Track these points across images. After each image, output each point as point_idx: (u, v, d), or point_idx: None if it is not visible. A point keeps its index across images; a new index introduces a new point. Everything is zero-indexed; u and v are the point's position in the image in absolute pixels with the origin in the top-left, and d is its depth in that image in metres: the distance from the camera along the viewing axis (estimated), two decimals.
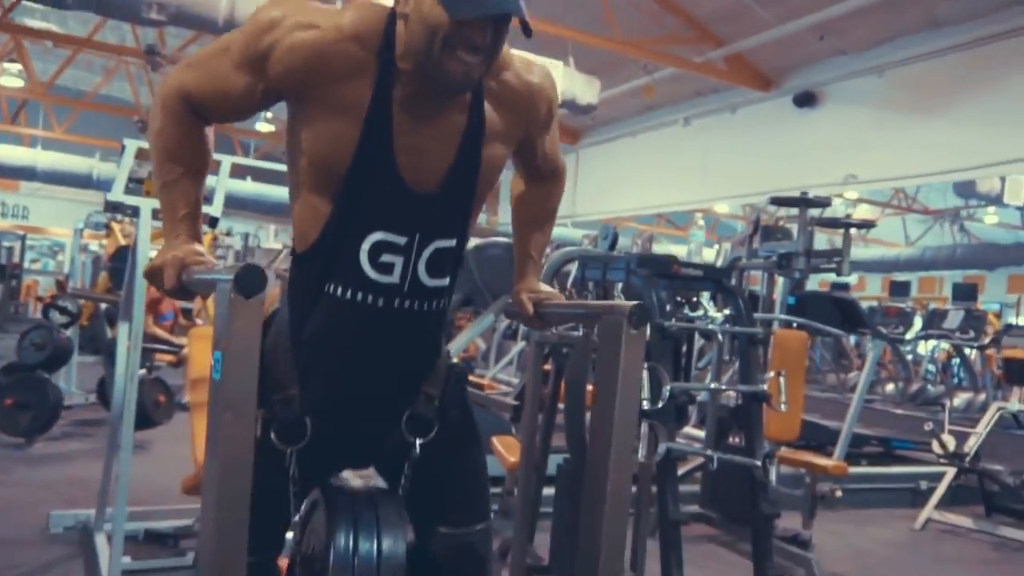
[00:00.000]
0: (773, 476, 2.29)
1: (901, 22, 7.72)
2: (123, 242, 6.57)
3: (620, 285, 2.85)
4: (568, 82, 7.91)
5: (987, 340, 8.42)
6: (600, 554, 1.10)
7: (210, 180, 1.47)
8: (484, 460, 1.66)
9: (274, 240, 15.76)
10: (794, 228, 4.27)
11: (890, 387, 9.81)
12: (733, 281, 4.82)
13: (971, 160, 7.47)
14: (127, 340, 2.79)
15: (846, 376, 9.96)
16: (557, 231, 13.43)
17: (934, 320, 9.15)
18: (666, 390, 2.16)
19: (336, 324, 1.39)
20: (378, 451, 1.56)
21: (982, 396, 8.75)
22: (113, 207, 2.81)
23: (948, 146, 7.47)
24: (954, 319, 8.80)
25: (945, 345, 10.00)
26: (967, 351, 9.25)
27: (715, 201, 12.31)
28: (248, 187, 12.42)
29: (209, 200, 3.01)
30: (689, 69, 8.95)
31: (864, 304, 14.04)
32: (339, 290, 1.37)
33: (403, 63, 1.31)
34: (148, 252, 2.73)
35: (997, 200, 12.74)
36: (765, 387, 2.38)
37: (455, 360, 1.64)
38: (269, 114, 13.66)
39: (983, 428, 4.78)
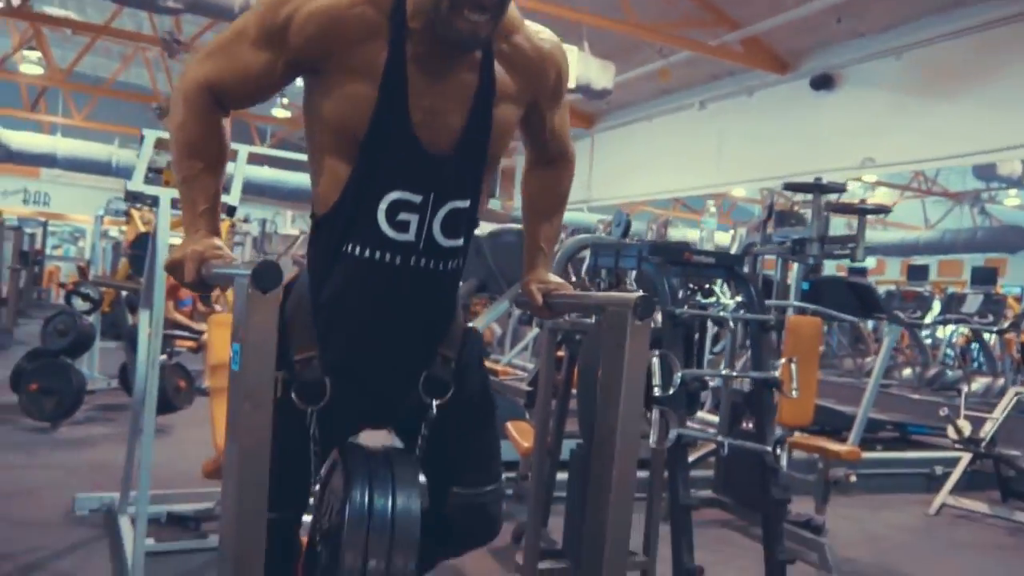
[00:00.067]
0: (784, 462, 2.31)
1: (919, 3, 7.62)
2: (142, 229, 6.64)
3: (634, 273, 2.87)
4: (583, 67, 7.88)
5: (1006, 324, 8.37)
6: (606, 537, 1.13)
7: (227, 168, 1.50)
8: (496, 424, 1.71)
9: (291, 226, 15.84)
10: (809, 213, 4.27)
11: (907, 372, 9.75)
12: (747, 267, 4.83)
13: (991, 143, 7.38)
14: (148, 327, 2.85)
15: (863, 361, 9.92)
16: (572, 216, 13.45)
17: (952, 304, 9.09)
18: (677, 377, 2.18)
19: (355, 283, 1.43)
20: (396, 412, 1.60)
21: (1001, 381, 8.69)
22: (133, 197, 2.85)
23: (967, 129, 7.38)
24: (973, 303, 8.74)
25: (964, 329, 9.93)
26: (986, 335, 9.19)
27: (731, 185, 12.24)
28: (265, 173, 12.50)
29: (227, 189, 3.05)
30: (705, 52, 8.89)
31: (882, 288, 13.97)
32: (357, 249, 1.41)
33: (413, 23, 1.35)
34: (167, 241, 2.78)
35: (1018, 183, 12.59)
36: (777, 373, 2.40)
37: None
38: (285, 100, 13.70)
39: (1000, 413, 4.76)
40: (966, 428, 4.73)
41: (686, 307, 2.48)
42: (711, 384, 4.49)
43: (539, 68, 1.50)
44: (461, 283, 1.67)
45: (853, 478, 4.27)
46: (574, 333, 2.78)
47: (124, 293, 6.37)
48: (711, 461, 4.15)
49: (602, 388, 1.21)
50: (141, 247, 5.69)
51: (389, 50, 1.34)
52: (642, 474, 3.09)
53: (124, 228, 9.09)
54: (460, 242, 1.48)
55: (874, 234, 16.71)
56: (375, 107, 1.35)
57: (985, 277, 9.46)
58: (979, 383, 8.70)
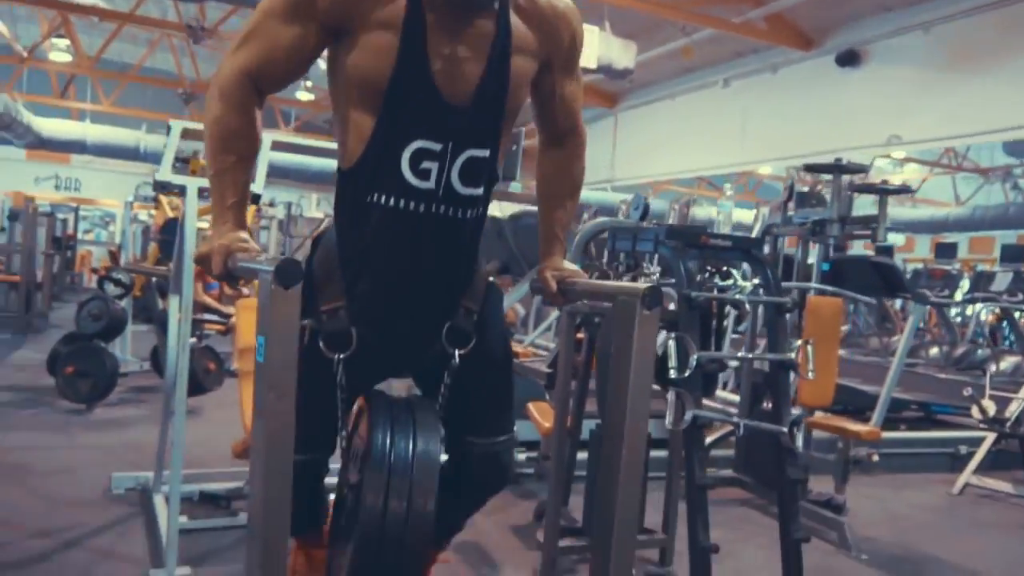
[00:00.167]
0: (800, 442, 2.34)
1: None
2: (171, 214, 6.76)
3: (657, 256, 2.89)
4: (604, 47, 7.83)
5: None
6: (615, 517, 1.18)
7: None
8: (512, 377, 1.77)
9: (316, 209, 15.99)
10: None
11: (934, 351, 9.65)
12: (767, 248, 4.82)
13: (1021, 118, 7.24)
14: (178, 312, 2.92)
15: (889, 340, 9.83)
16: (596, 196, 13.41)
17: (981, 282, 8.97)
18: (693, 359, 2.21)
19: (380, 233, 1.49)
20: (419, 361, 1.66)
21: None
22: (161, 186, 2.93)
23: (997, 103, 7.23)
24: (1002, 281, 8.62)
25: (995, 308, 9.79)
26: (1016, 314, 9.05)
27: (755, 164, 12.12)
28: (290, 156, 12.59)
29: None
30: (728, 30, 8.78)
31: (910, 266, 13.79)
32: (382, 198, 1.46)
33: None
34: (195, 229, 2.85)
35: None
36: (793, 355, 2.42)
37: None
38: (309, 83, 13.76)
39: None
40: (991, 408, 4.70)
41: (703, 290, 2.51)
42: (731, 365, 4.50)
43: (553, 26, 1.55)
44: (484, 263, 1.72)
45: (875, 458, 4.28)
46: (593, 316, 2.82)
47: (154, 279, 6.50)
48: (732, 441, 4.19)
49: (612, 374, 1.25)
50: (170, 232, 5.80)
51: (408, 2, 1.39)
52: (661, 454, 3.15)
53: (153, 212, 9.24)
54: (479, 191, 1.53)
55: (903, 211, 16.47)
56: (396, 57, 1.40)
57: (1016, 255, 9.31)
58: (1008, 362, 8.58)
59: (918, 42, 7.95)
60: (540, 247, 1.74)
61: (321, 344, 1.51)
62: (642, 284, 1.19)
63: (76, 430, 4.59)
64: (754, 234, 5.52)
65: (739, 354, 2.91)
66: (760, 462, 3.70)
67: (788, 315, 2.53)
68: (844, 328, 10.50)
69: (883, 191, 4.21)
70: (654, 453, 2.89)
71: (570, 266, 1.71)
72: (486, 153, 1.51)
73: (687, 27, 9.15)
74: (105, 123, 13.76)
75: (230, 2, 7.67)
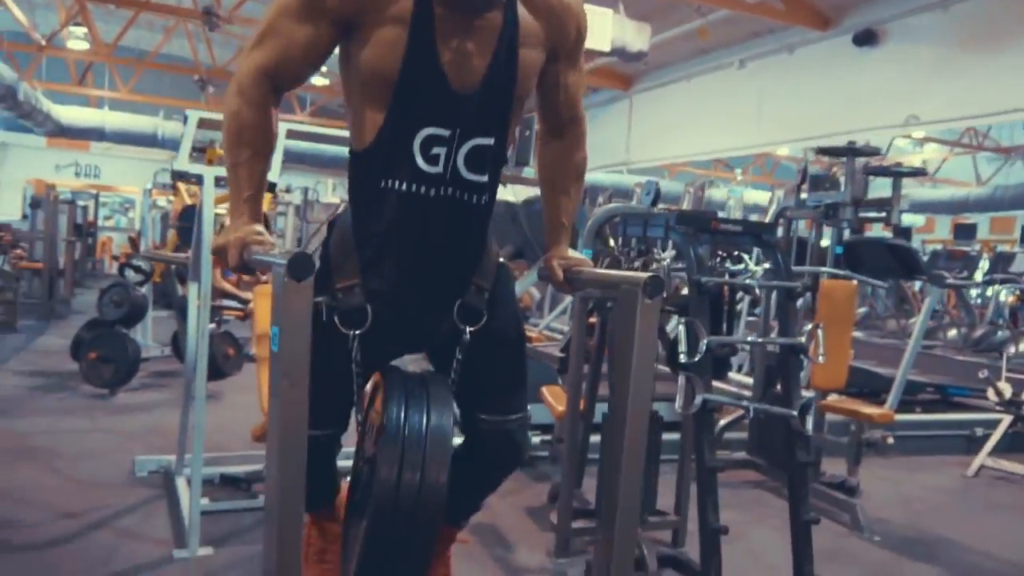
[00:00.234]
0: (809, 425, 2.36)
1: None
2: (189, 201, 6.83)
3: (671, 242, 2.90)
4: (618, 30, 7.78)
5: None
6: (618, 499, 1.22)
7: None
8: (525, 356, 1.80)
9: (332, 194, 16.05)
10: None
11: (952, 333, 9.59)
12: (781, 231, 4.81)
13: None
14: (196, 300, 2.98)
15: (907, 322, 9.78)
16: (612, 178, 13.37)
17: (1000, 263, 8.89)
18: (703, 344, 2.24)
19: (394, 215, 1.53)
20: (432, 338, 1.70)
21: None
22: (179, 175, 2.98)
23: (1017, 82, 7.11)
24: (1022, 262, 8.55)
25: (1016, 289, 9.71)
26: None
27: (772, 146, 12.02)
28: (306, 142, 12.65)
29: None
30: (743, 10, 8.69)
31: (929, 247, 13.65)
32: (396, 183, 1.51)
33: None
34: (212, 216, 2.90)
35: None
36: (803, 339, 2.44)
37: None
38: (324, 68, 13.77)
39: None
40: (1007, 390, 4.69)
41: (714, 275, 2.53)
42: (743, 349, 4.51)
43: (560, 17, 1.58)
44: (498, 247, 1.76)
45: (890, 440, 4.27)
46: (605, 300, 2.84)
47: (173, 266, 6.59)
48: (746, 423, 4.21)
49: (615, 360, 1.28)
50: (188, 219, 5.87)
51: None
52: (674, 437, 3.18)
53: (171, 198, 9.33)
54: (485, 178, 1.58)
55: (923, 192, 16.29)
56: (405, 51, 1.44)
57: None
58: None
59: (937, 20, 7.84)
60: (547, 236, 1.78)
61: (337, 321, 1.55)
62: (643, 274, 1.21)
63: (100, 414, 4.68)
64: (768, 217, 5.51)
65: (749, 338, 2.92)
66: (773, 445, 3.73)
67: (801, 299, 2.54)
68: (862, 310, 10.46)
69: (897, 173, 4.19)
70: (667, 436, 2.92)
71: (575, 255, 1.75)
72: (491, 142, 1.55)
73: (702, 8, 9.06)
74: (123, 110, 13.88)
75: None
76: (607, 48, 7.60)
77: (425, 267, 1.58)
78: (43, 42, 11.92)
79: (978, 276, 9.57)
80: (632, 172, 13.32)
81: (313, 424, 1.23)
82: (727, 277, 2.62)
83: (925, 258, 10.37)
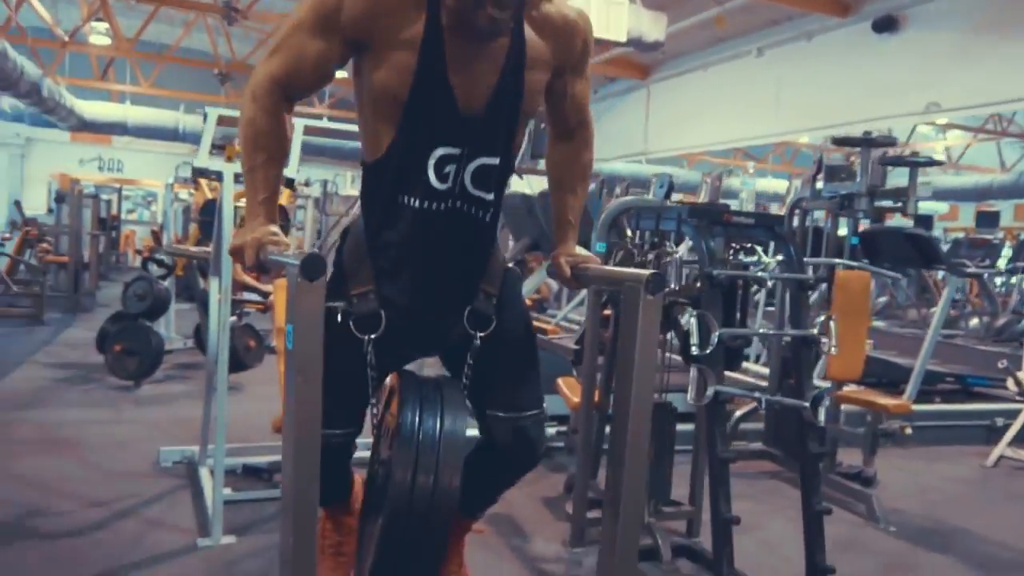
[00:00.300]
0: (823, 416, 2.37)
1: None
2: (210, 195, 6.93)
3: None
4: (634, 20, 7.75)
5: None
6: (623, 489, 1.25)
7: None
8: (536, 354, 1.85)
9: (351, 187, 16.13)
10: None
11: (974, 322, 9.49)
12: (796, 221, 4.80)
13: None
14: (218, 293, 3.04)
15: (928, 311, 9.70)
16: (630, 168, 13.33)
17: (1022, 252, 8.79)
18: (715, 336, 2.26)
19: (407, 229, 1.59)
20: (443, 342, 1.76)
21: None
22: (199, 172, 3.04)
23: None
24: None
25: None
26: None
27: (790, 134, 11.94)
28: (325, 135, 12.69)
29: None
30: None
31: (951, 235, 13.48)
32: (410, 200, 1.57)
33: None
34: (232, 213, 2.96)
35: None
36: (816, 330, 2.45)
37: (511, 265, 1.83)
38: None
39: None
40: None
41: (727, 267, 2.55)
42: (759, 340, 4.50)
43: (566, 35, 1.63)
44: (513, 241, 1.81)
45: (908, 430, 4.26)
46: (619, 293, 2.86)
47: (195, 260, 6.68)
48: (762, 414, 4.22)
49: (619, 355, 1.31)
50: (209, 213, 5.95)
51: (427, 20, 1.48)
52: (688, 428, 3.21)
53: (193, 192, 9.44)
54: (490, 196, 1.64)
55: (946, 179, 16.09)
56: (415, 75, 1.49)
57: None
58: None
59: (957, 6, 7.74)
60: (555, 234, 1.83)
61: (352, 325, 1.60)
62: (645, 271, 1.24)
63: (125, 406, 4.77)
64: (785, 207, 5.49)
65: (761, 330, 2.93)
66: (788, 435, 3.74)
67: (815, 290, 2.55)
68: (882, 300, 10.38)
69: (913, 163, 4.16)
70: (681, 427, 2.95)
71: (583, 252, 1.79)
72: (496, 161, 1.61)
73: None
74: (144, 104, 14.01)
75: None
76: (623, 39, 7.58)
77: (437, 277, 1.64)
78: (66, 38, 12.05)
79: (1001, 264, 9.46)
80: (650, 162, 13.28)
81: (329, 424, 1.27)
82: (740, 269, 2.63)
83: (946, 247, 10.26)
